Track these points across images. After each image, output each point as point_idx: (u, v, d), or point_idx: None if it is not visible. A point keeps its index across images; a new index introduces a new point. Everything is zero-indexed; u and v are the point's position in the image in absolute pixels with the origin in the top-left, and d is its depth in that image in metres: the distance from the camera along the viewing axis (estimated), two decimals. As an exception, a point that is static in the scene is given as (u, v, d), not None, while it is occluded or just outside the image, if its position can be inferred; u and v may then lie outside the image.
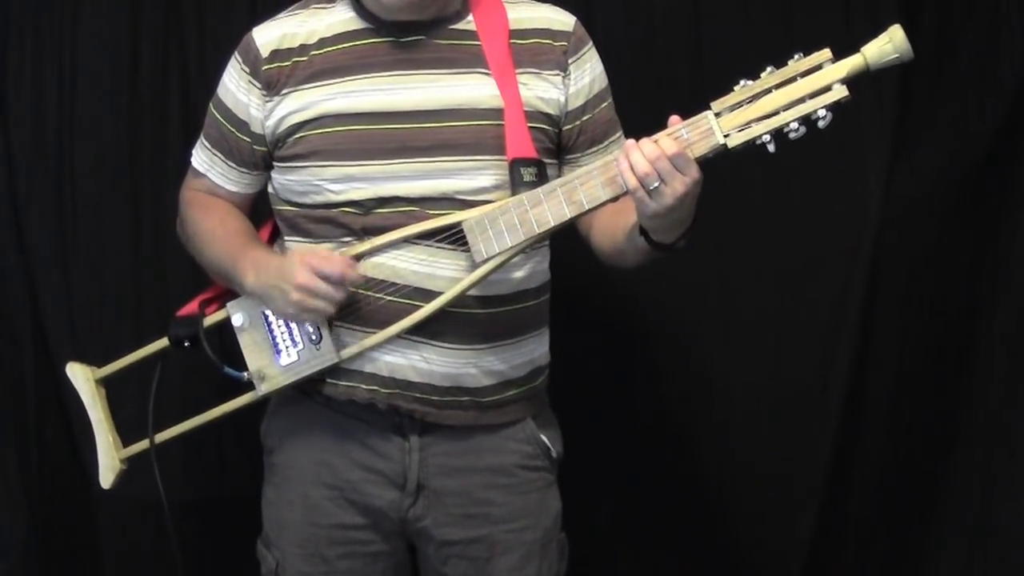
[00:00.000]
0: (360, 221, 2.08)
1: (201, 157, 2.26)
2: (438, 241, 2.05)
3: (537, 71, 2.13)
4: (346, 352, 2.10)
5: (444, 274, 2.06)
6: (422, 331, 2.07)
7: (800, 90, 1.86)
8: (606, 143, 2.21)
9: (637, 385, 2.88)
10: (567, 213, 1.99)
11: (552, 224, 2.00)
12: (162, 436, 2.27)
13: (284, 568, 2.23)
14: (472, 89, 2.09)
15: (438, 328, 2.08)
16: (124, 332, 2.74)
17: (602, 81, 2.21)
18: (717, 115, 1.90)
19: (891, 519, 2.90)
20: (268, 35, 2.14)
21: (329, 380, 2.14)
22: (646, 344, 2.88)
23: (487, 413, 2.17)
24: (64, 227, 2.79)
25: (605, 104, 2.21)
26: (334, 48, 2.10)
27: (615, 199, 1.98)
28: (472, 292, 2.06)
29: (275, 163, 2.16)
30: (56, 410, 2.79)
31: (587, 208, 1.99)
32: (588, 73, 2.17)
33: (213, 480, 2.84)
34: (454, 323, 2.08)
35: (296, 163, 2.11)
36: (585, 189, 1.98)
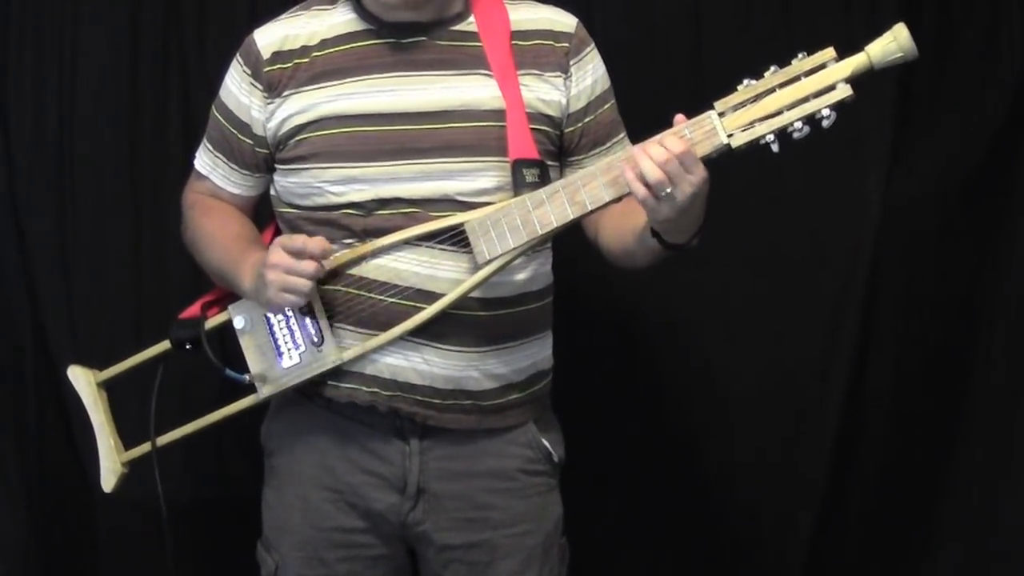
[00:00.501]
0: (361, 223, 2.08)
1: (204, 159, 2.26)
2: (440, 243, 2.04)
3: (538, 72, 2.12)
4: (348, 354, 2.09)
5: (446, 276, 2.05)
6: (424, 333, 2.07)
7: (804, 89, 1.86)
8: (609, 144, 2.20)
9: (639, 388, 2.88)
10: (570, 214, 1.99)
11: (555, 225, 1.99)
12: (164, 439, 2.27)
13: (284, 571, 2.22)
14: (473, 90, 2.08)
15: (440, 330, 2.07)
16: (125, 334, 2.74)
17: (604, 82, 2.20)
18: (721, 115, 1.89)
19: (891, 519, 2.90)
20: (269, 36, 2.13)
21: (330, 382, 2.14)
22: (648, 346, 2.88)
23: (488, 417, 2.16)
24: (64, 227, 2.79)
25: (607, 105, 2.21)
26: (335, 49, 2.10)
27: (618, 199, 1.97)
28: (474, 294, 2.06)
29: (277, 165, 2.16)
30: (56, 411, 2.79)
31: (590, 209, 1.98)
32: (590, 75, 2.17)
33: (213, 481, 2.84)
34: (456, 325, 2.07)
35: (297, 165, 2.10)
36: (588, 190, 1.97)
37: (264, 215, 2.28)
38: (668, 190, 1.87)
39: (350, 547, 2.19)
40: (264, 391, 2.15)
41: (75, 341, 2.78)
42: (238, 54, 2.17)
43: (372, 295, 2.07)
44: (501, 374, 2.14)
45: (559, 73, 2.14)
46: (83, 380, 2.34)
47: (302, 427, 2.21)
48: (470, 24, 2.13)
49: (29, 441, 2.82)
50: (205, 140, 2.26)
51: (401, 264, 2.06)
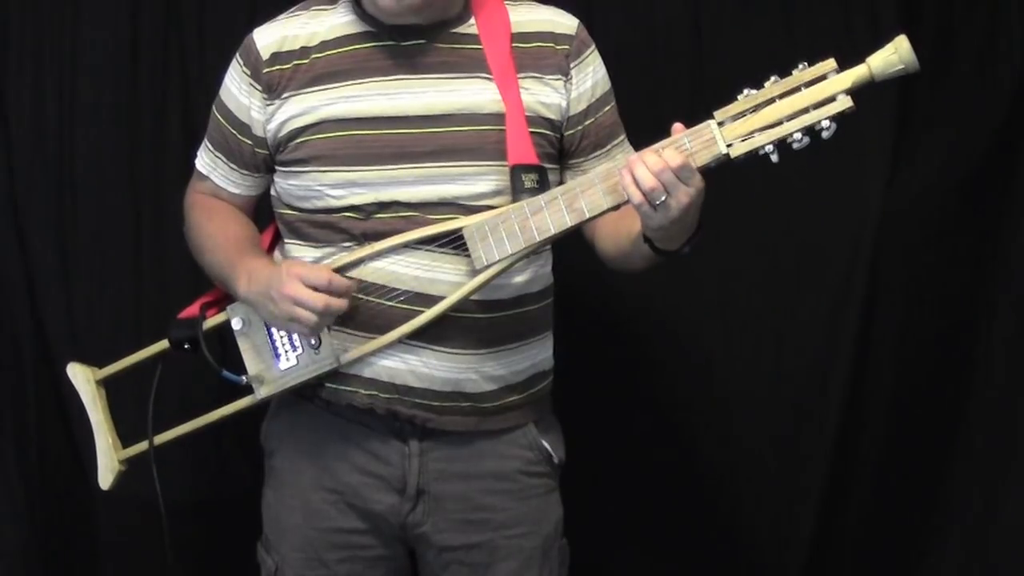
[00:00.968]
0: (360, 226, 2.08)
1: (204, 159, 2.26)
2: (439, 246, 2.04)
3: (539, 75, 2.12)
4: (345, 357, 2.09)
5: (445, 279, 2.05)
6: (422, 336, 2.07)
7: (804, 100, 1.86)
8: (609, 147, 2.20)
9: (640, 388, 2.88)
10: (568, 221, 1.98)
11: (552, 232, 1.99)
12: (161, 438, 2.27)
13: (283, 572, 2.23)
14: (473, 94, 2.08)
15: (438, 333, 2.07)
16: (125, 333, 2.74)
17: (605, 85, 2.19)
18: (720, 124, 1.89)
19: (891, 519, 2.90)
20: (269, 37, 2.13)
21: (328, 385, 2.14)
22: (649, 347, 2.88)
23: (488, 419, 2.16)
24: (64, 227, 2.79)
25: (608, 108, 2.20)
26: (335, 51, 2.10)
27: (617, 207, 1.97)
28: (473, 297, 2.06)
29: (276, 167, 2.15)
30: (56, 410, 2.79)
31: (588, 216, 1.98)
32: (590, 77, 2.16)
33: (214, 480, 2.84)
34: (454, 328, 2.07)
35: (297, 168, 2.10)
36: (586, 197, 1.97)
37: (264, 215, 2.28)
38: (663, 199, 1.87)
39: (350, 548, 2.20)
40: (261, 392, 2.15)
41: (75, 341, 2.78)
42: (237, 54, 2.17)
43: (370, 298, 2.07)
44: (500, 376, 2.14)
45: (559, 76, 2.13)
46: (82, 378, 2.34)
47: (302, 428, 2.21)
48: (471, 26, 2.13)
49: (29, 441, 2.82)
50: (206, 140, 2.26)
51: (400, 267, 2.06)
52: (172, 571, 2.34)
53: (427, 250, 2.05)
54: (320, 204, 2.10)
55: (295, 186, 2.12)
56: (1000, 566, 2.84)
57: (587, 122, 2.17)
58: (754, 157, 1.89)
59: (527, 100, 2.09)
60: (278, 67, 2.11)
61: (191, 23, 2.78)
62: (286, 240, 2.19)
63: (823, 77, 1.85)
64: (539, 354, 2.22)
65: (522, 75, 2.10)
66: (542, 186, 2.05)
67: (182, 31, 2.78)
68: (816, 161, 2.58)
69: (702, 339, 2.87)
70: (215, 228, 2.23)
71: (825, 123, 1.85)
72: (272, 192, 2.21)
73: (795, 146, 1.87)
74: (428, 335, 2.07)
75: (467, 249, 2.03)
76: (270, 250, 2.25)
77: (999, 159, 2.79)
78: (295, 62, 2.10)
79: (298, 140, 2.09)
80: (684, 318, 2.86)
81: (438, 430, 2.13)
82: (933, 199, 2.81)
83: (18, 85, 2.77)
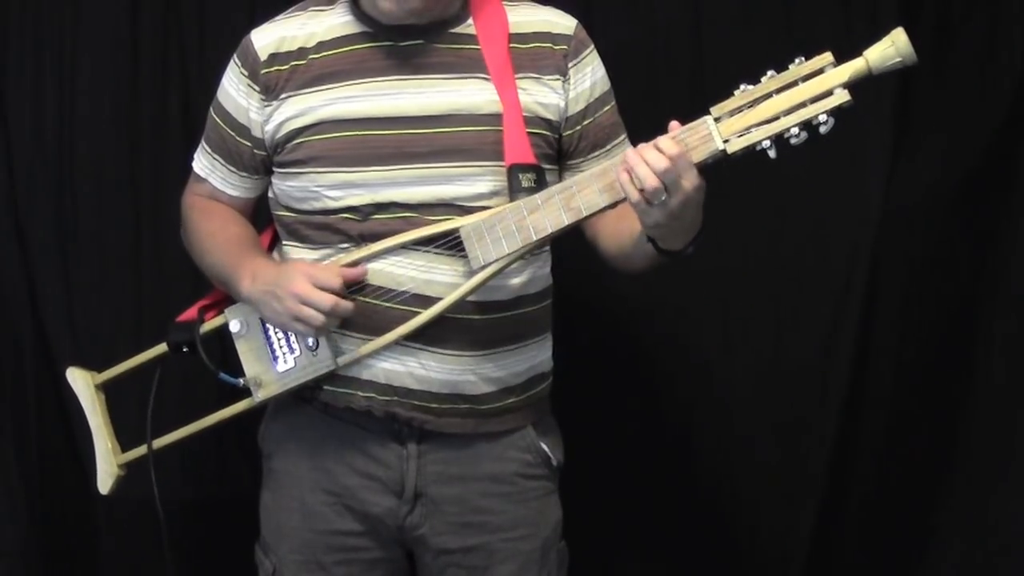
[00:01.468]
0: (358, 227, 2.07)
1: (202, 162, 2.26)
2: (436, 247, 2.04)
3: (537, 76, 2.11)
4: (343, 359, 2.09)
5: (442, 280, 2.04)
6: (420, 338, 2.06)
7: (801, 94, 1.84)
8: (609, 147, 2.19)
9: (639, 389, 2.87)
10: (565, 220, 1.98)
11: (550, 231, 1.98)
12: (160, 442, 2.27)
13: (281, 574, 2.22)
14: (471, 94, 2.07)
15: (436, 334, 2.06)
16: (125, 333, 2.75)
17: (604, 85, 2.19)
18: (717, 120, 1.88)
19: (891, 519, 2.89)
20: (266, 38, 2.12)
21: (326, 387, 2.13)
22: (649, 347, 2.88)
23: (486, 421, 2.15)
24: (64, 228, 2.80)
25: (607, 108, 2.19)
26: (333, 52, 2.09)
27: (613, 205, 1.96)
28: (470, 298, 2.05)
29: (274, 168, 2.15)
30: (56, 411, 2.79)
31: (585, 215, 1.97)
32: (589, 77, 2.15)
33: (214, 481, 2.84)
34: (452, 330, 2.07)
35: (294, 169, 2.10)
36: (583, 195, 1.97)
37: (264, 216, 2.28)
38: (664, 198, 1.86)
39: (347, 551, 2.19)
40: (259, 395, 2.15)
41: (75, 341, 2.78)
42: (235, 55, 2.16)
43: (368, 299, 2.06)
44: (498, 378, 2.14)
45: (557, 76, 2.13)
46: (81, 382, 2.34)
47: (300, 430, 2.20)
48: (468, 27, 2.12)
49: (29, 441, 2.82)
50: (203, 142, 2.25)
51: (397, 268, 2.06)
52: (171, 572, 2.34)
53: (424, 251, 2.05)
54: (318, 205, 2.09)
55: (293, 187, 2.11)
56: (1000, 566, 2.83)
57: (586, 122, 2.16)
58: (752, 153, 1.88)
59: (525, 100, 2.09)
60: (276, 68, 2.10)
61: (191, 23, 2.78)
62: (284, 242, 2.19)
63: (820, 71, 1.84)
64: (538, 356, 2.22)
65: (520, 75, 2.10)
66: (539, 185, 2.04)
67: (182, 31, 2.79)
68: (816, 161, 2.61)
69: (702, 339, 2.87)
70: (215, 228, 2.23)
71: (823, 117, 1.83)
72: (270, 194, 2.21)
73: (792, 141, 1.85)
74: (426, 337, 2.07)
75: (464, 250, 2.03)
76: (268, 252, 2.24)
77: (999, 159, 2.78)
78: (293, 63, 2.10)
79: (296, 141, 2.09)
80: (684, 319, 2.86)
81: (436, 432, 2.13)
82: (933, 199, 2.81)
83: (18, 85, 2.77)
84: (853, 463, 2.88)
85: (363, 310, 2.06)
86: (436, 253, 2.04)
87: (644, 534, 2.91)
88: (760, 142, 1.86)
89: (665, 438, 2.88)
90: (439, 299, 2.04)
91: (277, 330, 2.13)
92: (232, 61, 2.17)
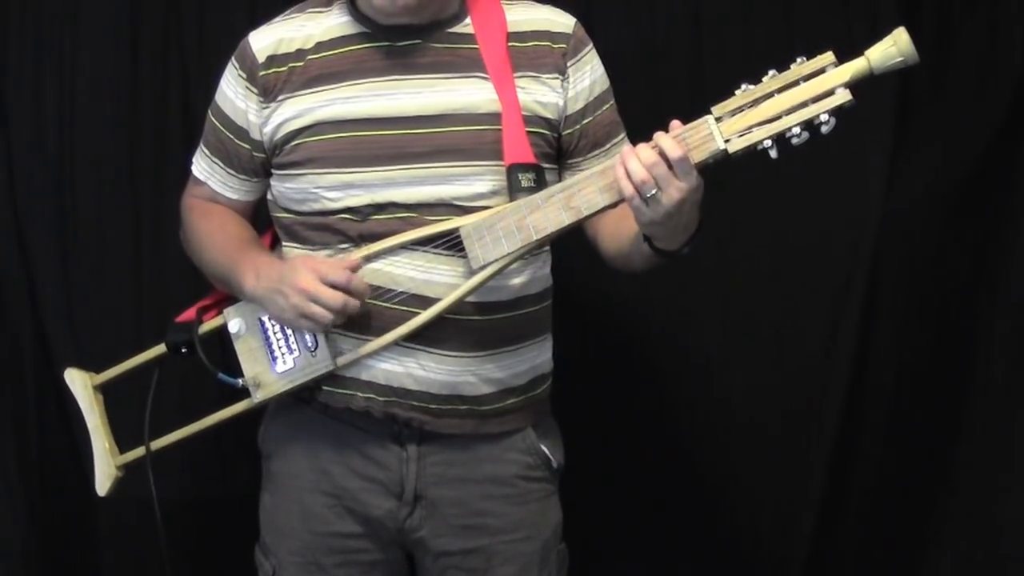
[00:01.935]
0: (357, 228, 2.07)
1: (201, 165, 2.25)
2: (436, 247, 2.04)
3: (536, 75, 2.11)
4: (342, 359, 2.09)
5: (442, 280, 2.04)
6: (419, 338, 2.06)
7: (803, 94, 1.83)
8: (608, 146, 2.18)
9: (640, 390, 2.87)
10: (565, 219, 1.97)
11: (550, 231, 1.98)
12: (159, 442, 2.27)
13: (281, 575, 2.22)
14: (469, 94, 2.07)
15: (435, 335, 2.06)
16: (125, 333, 2.75)
17: (603, 83, 2.18)
18: (718, 120, 1.87)
19: (891, 519, 2.89)
20: (264, 40, 2.12)
21: (326, 387, 2.13)
22: (649, 348, 2.87)
23: (486, 422, 2.15)
24: (64, 227, 2.79)
25: (607, 107, 2.19)
26: (331, 53, 2.09)
27: (614, 205, 1.95)
28: (470, 299, 2.05)
29: (273, 170, 2.15)
30: (56, 411, 2.79)
31: (585, 214, 1.97)
32: (588, 76, 2.15)
33: (214, 481, 2.84)
34: (452, 330, 2.06)
35: (293, 170, 2.09)
36: (583, 195, 1.96)
37: (264, 220, 2.28)
38: (654, 192, 1.86)
39: (347, 552, 2.19)
40: (258, 396, 2.15)
41: (75, 341, 2.78)
42: (233, 57, 2.16)
43: (367, 300, 2.06)
44: (498, 379, 2.13)
45: (556, 75, 2.12)
46: (80, 383, 2.34)
47: (299, 431, 2.20)
48: (466, 26, 2.12)
49: (29, 441, 2.82)
50: (202, 145, 2.25)
51: (397, 269, 2.05)
52: (170, 573, 2.33)
53: (424, 251, 2.04)
54: (316, 206, 2.09)
55: (291, 189, 2.11)
56: (1000, 566, 2.83)
57: (585, 121, 2.16)
58: (753, 153, 1.87)
59: (524, 99, 2.08)
60: (274, 70, 2.10)
61: (191, 23, 2.78)
62: (283, 243, 2.19)
63: (822, 71, 1.83)
64: (538, 356, 2.21)
65: (518, 74, 2.09)
66: (539, 185, 2.03)
67: (182, 31, 2.78)
68: (816, 161, 2.61)
69: (702, 340, 2.87)
70: (214, 228, 2.23)
71: (824, 117, 1.82)
72: (268, 196, 2.21)
73: (794, 141, 1.84)
74: (426, 338, 2.06)
75: (464, 251, 2.02)
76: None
77: (999, 159, 2.78)
78: (291, 64, 2.10)
79: (294, 142, 2.09)
80: (684, 319, 2.86)
81: (436, 434, 2.12)
82: (933, 199, 2.81)
83: (18, 85, 2.77)
84: (853, 463, 2.88)
85: (363, 310, 2.05)
86: (435, 253, 2.04)
87: (644, 535, 2.90)
88: (761, 142, 1.85)
89: (665, 438, 2.88)
90: (438, 299, 2.03)
91: (276, 331, 2.12)
92: (230, 63, 2.16)
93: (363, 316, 2.06)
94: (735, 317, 2.85)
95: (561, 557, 2.29)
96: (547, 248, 2.19)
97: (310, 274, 1.99)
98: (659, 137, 1.88)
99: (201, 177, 2.25)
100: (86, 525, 2.85)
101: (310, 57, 2.09)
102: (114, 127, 2.79)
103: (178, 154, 2.67)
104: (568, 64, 2.13)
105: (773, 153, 1.86)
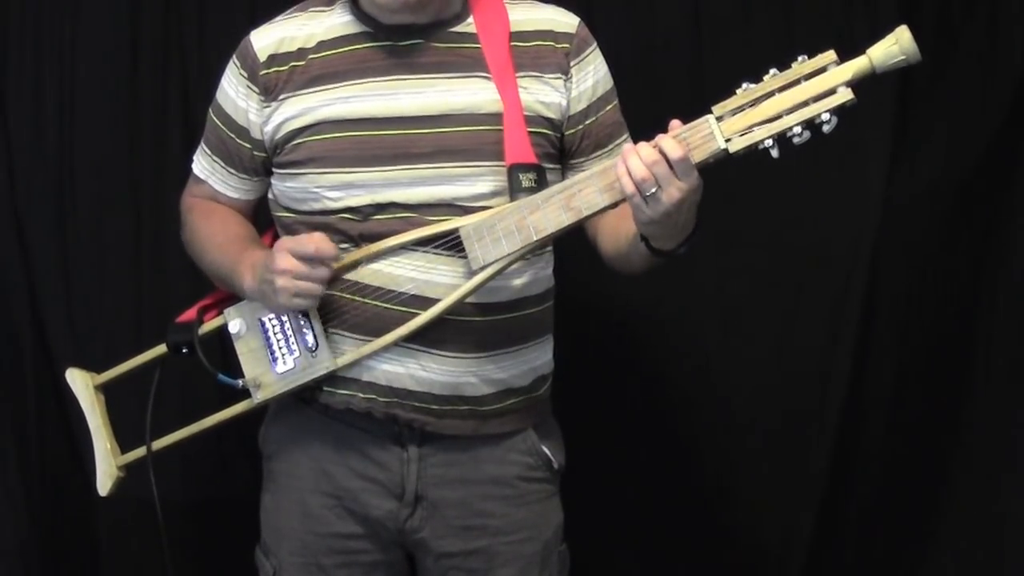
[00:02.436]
0: (357, 228, 2.06)
1: (202, 164, 2.25)
2: (436, 248, 2.03)
3: (538, 74, 2.10)
4: (342, 360, 2.08)
5: (442, 281, 2.03)
6: (420, 339, 2.05)
7: (804, 93, 1.83)
8: (611, 147, 2.18)
9: (640, 390, 2.87)
10: (565, 220, 1.97)
11: (550, 231, 1.97)
12: (160, 443, 2.26)
13: (281, 576, 2.23)
14: (471, 94, 2.06)
15: (436, 336, 2.05)
16: (125, 333, 2.75)
17: (606, 83, 2.17)
18: (718, 119, 1.86)
19: (891, 519, 2.89)
20: (266, 39, 2.12)
21: (326, 388, 2.12)
22: (649, 348, 2.88)
23: (487, 423, 2.14)
24: (64, 227, 2.79)
25: (610, 107, 2.18)
26: (332, 52, 2.08)
27: (614, 205, 1.95)
28: (470, 299, 2.04)
29: (274, 169, 2.14)
30: (56, 411, 2.79)
31: (585, 215, 1.96)
32: (591, 76, 2.14)
33: (214, 481, 2.84)
34: (452, 331, 2.06)
35: (294, 170, 2.09)
36: (583, 195, 1.95)
37: (264, 218, 2.27)
38: (653, 190, 1.85)
39: (348, 553, 2.18)
40: (258, 396, 2.14)
41: (75, 341, 2.78)
42: (234, 56, 2.15)
43: (367, 300, 2.06)
44: (499, 379, 2.13)
45: (559, 75, 2.11)
46: (80, 383, 2.33)
47: (300, 431, 2.19)
48: (469, 25, 2.11)
49: (29, 441, 2.82)
50: (202, 144, 2.24)
51: (397, 269, 2.05)
52: (171, 573, 2.33)
53: (424, 252, 2.04)
54: (317, 206, 2.08)
55: (292, 188, 2.10)
56: (1001, 566, 2.84)
57: (588, 121, 2.15)
58: (754, 152, 1.86)
59: (526, 99, 2.07)
60: (275, 69, 2.10)
61: (191, 23, 2.78)
62: (284, 244, 2.19)
63: (823, 69, 1.82)
64: (539, 357, 2.20)
65: (521, 74, 2.09)
66: (540, 185, 2.02)
67: (182, 31, 2.78)
68: (816, 161, 2.61)
69: (702, 340, 2.87)
70: (215, 227, 2.22)
71: (825, 116, 1.82)
72: (269, 195, 2.20)
73: (795, 140, 1.84)
74: (426, 338, 2.06)
75: (464, 251, 2.02)
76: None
77: (999, 159, 2.79)
78: (292, 64, 2.09)
79: (295, 142, 2.08)
80: (684, 319, 2.86)
81: (437, 435, 2.12)
82: (933, 198, 2.81)
83: (18, 85, 2.77)
84: (853, 463, 2.88)
85: (363, 311, 2.05)
86: (436, 253, 2.03)
87: (645, 536, 2.91)
88: (762, 141, 1.85)
89: (666, 439, 2.89)
90: (439, 300, 2.03)
91: (276, 331, 2.12)
92: (231, 62, 2.16)
93: (364, 317, 2.06)
94: (735, 317, 2.86)
95: (562, 558, 2.28)
96: (549, 249, 2.19)
97: (284, 254, 1.98)
98: (660, 138, 1.88)
99: (202, 176, 2.25)
100: (86, 525, 2.85)
101: (312, 56, 2.09)
102: (114, 127, 2.79)
103: (178, 154, 2.68)
104: (571, 64, 2.13)
105: (774, 152, 1.86)
